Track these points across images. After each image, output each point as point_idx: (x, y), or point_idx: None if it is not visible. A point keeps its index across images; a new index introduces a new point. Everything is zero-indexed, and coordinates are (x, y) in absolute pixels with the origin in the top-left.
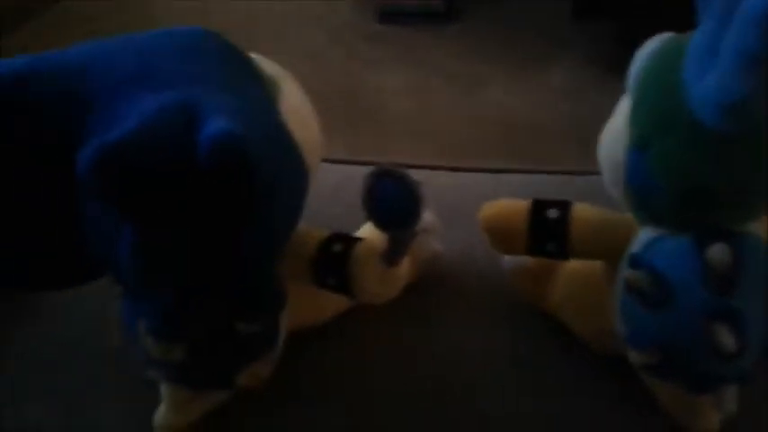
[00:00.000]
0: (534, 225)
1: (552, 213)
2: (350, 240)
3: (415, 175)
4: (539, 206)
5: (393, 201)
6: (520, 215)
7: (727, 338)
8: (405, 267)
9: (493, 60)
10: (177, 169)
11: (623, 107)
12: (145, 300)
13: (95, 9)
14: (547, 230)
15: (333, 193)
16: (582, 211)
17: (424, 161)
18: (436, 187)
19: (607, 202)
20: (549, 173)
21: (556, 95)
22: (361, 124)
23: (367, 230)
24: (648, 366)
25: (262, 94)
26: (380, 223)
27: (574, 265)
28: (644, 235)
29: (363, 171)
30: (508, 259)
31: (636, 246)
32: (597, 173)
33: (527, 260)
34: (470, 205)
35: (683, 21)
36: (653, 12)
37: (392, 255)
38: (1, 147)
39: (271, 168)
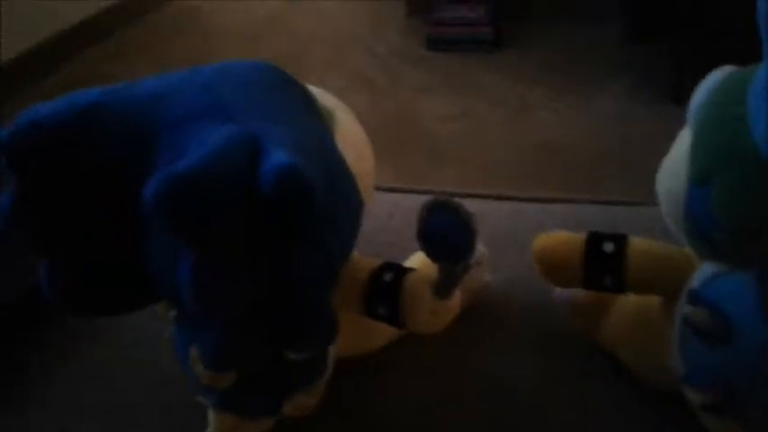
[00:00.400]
0: (590, 258)
1: (608, 247)
2: (402, 270)
3: (463, 203)
4: (594, 239)
5: (447, 234)
6: (575, 248)
7: None
8: (456, 299)
9: (542, 86)
10: (239, 200)
11: (683, 139)
12: (198, 327)
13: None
14: (603, 264)
15: (383, 220)
16: (638, 244)
17: (473, 188)
18: (484, 216)
19: (658, 234)
20: (596, 203)
21: (605, 122)
22: (408, 150)
23: (418, 259)
24: (707, 406)
25: (319, 125)
26: (434, 256)
27: (629, 298)
28: (704, 270)
29: (413, 199)
30: (560, 291)
31: (695, 281)
32: (645, 203)
33: (580, 292)
34: (519, 235)
35: (735, 47)
36: (704, 38)
37: (444, 287)
38: (70, 176)
39: (328, 200)
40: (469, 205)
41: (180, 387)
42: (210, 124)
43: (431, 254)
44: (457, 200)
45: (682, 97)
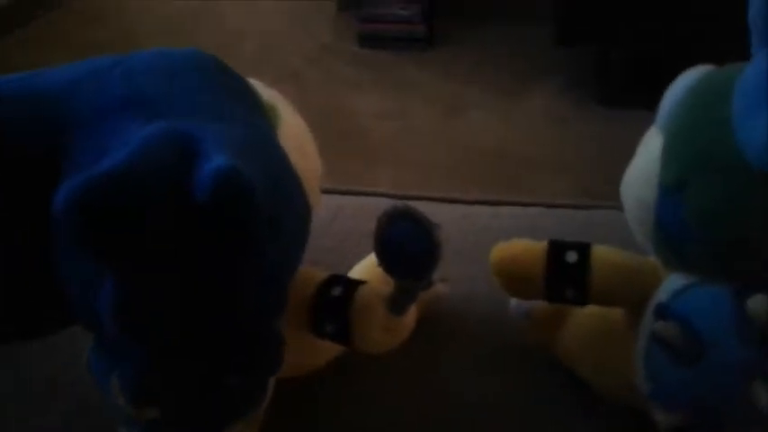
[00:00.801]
0: (552, 269)
1: (571, 257)
2: (351, 284)
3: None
4: (556, 248)
5: (409, 247)
6: (536, 258)
7: (766, 398)
8: (411, 314)
9: (475, 85)
10: (167, 209)
11: (651, 144)
12: (120, 355)
13: (75, 21)
14: (566, 275)
15: (324, 224)
16: (602, 254)
17: (410, 189)
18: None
19: (610, 238)
20: (546, 206)
21: (538, 121)
22: (341, 149)
23: (365, 269)
24: (675, 427)
25: (258, 121)
26: (394, 271)
27: (590, 310)
28: (672, 282)
29: (355, 201)
30: (517, 302)
31: (663, 294)
32: (593, 206)
33: (538, 304)
34: (469, 241)
35: (661, 50)
36: (634, 38)
37: (400, 302)
38: None
39: (271, 204)
40: (438, 210)
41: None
42: (133, 120)
43: (389, 269)
44: (418, 208)
45: (608, 99)
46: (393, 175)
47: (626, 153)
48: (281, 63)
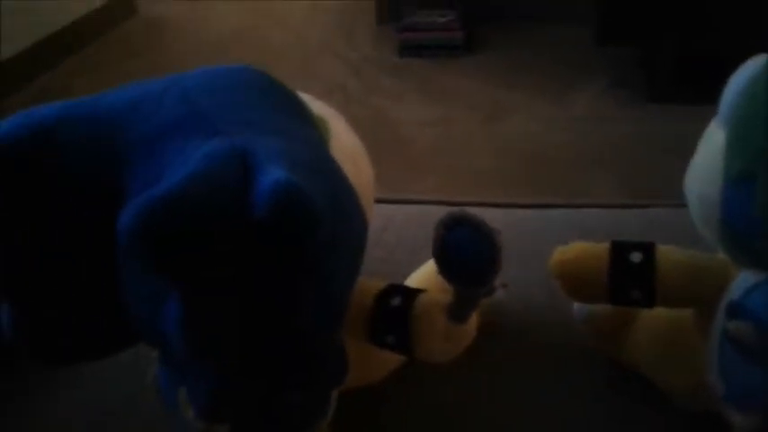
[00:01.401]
0: (616, 271)
1: (635, 257)
2: (410, 293)
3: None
4: (619, 249)
5: (470, 254)
6: (599, 260)
7: None
8: (472, 322)
9: (516, 89)
10: (230, 226)
11: (713, 139)
12: (188, 371)
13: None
14: (631, 276)
15: (375, 234)
16: (668, 253)
17: (455, 195)
18: None
19: (668, 237)
20: (598, 206)
21: (581, 122)
22: (386, 158)
23: (421, 277)
24: (752, 430)
25: (313, 135)
26: (455, 279)
27: (657, 312)
28: (744, 279)
29: (406, 210)
30: (579, 306)
31: (735, 292)
32: (647, 205)
33: (601, 307)
34: (522, 245)
35: (705, 48)
36: (675, 38)
37: (461, 310)
38: (32, 204)
39: (332, 220)
40: (488, 214)
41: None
42: (193, 138)
43: (451, 276)
44: (477, 214)
45: (656, 96)
46: (438, 182)
47: (674, 150)
48: (325, 76)
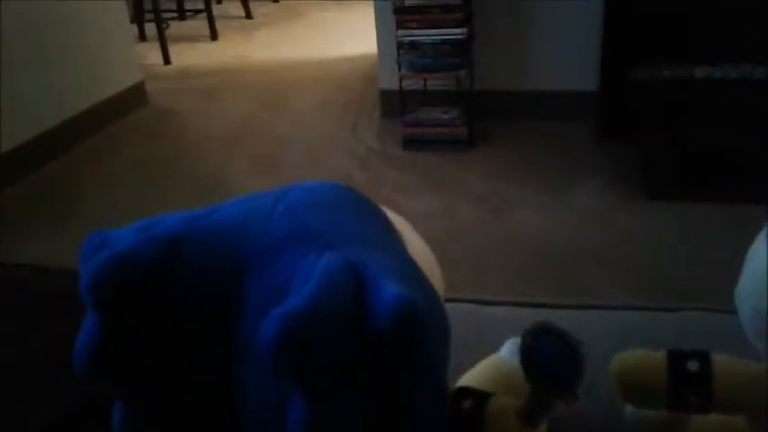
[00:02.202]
0: (675, 379)
1: (693, 365)
2: (480, 396)
3: (461, 308)
4: (677, 357)
5: (557, 363)
6: (658, 367)
7: None
8: (543, 426)
9: (519, 184)
10: (351, 336)
11: (762, 252)
12: None
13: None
14: (689, 384)
15: None
16: (723, 362)
17: (462, 289)
18: (519, 324)
19: (699, 341)
20: (628, 308)
21: (585, 217)
22: None
23: (477, 374)
24: None
25: (401, 246)
26: (543, 385)
27: (710, 417)
28: None
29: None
30: (631, 409)
31: None
32: (679, 309)
33: (653, 411)
34: None
35: (701, 147)
36: (673, 137)
37: (536, 414)
38: (155, 314)
39: (437, 326)
40: (496, 312)
41: None
42: (306, 253)
43: (538, 382)
44: (559, 325)
45: (655, 194)
46: (448, 276)
47: (679, 248)
48: (331, 167)
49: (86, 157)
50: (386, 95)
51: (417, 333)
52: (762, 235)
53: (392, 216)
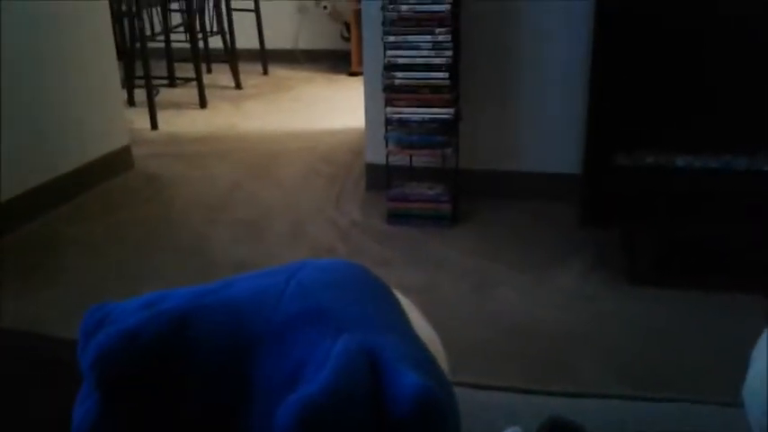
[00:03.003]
0: None
1: None
2: None
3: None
4: None
5: None
6: None
7: None
8: None
9: (502, 262)
10: (368, 420)
11: None
12: None
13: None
14: None
15: None
16: None
17: (460, 373)
18: (517, 414)
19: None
20: (586, 396)
21: (568, 299)
22: None
23: None
24: None
25: (413, 332)
26: None
27: None
28: None
29: None
30: None
31: None
32: (639, 398)
33: None
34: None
35: (683, 234)
36: (656, 223)
37: None
38: (161, 390)
39: (454, 414)
40: (489, 398)
41: None
42: (319, 333)
43: None
44: (577, 422)
45: (637, 279)
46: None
47: (661, 336)
48: (314, 239)
49: (68, 219)
50: (372, 169)
51: (437, 423)
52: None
53: (399, 297)
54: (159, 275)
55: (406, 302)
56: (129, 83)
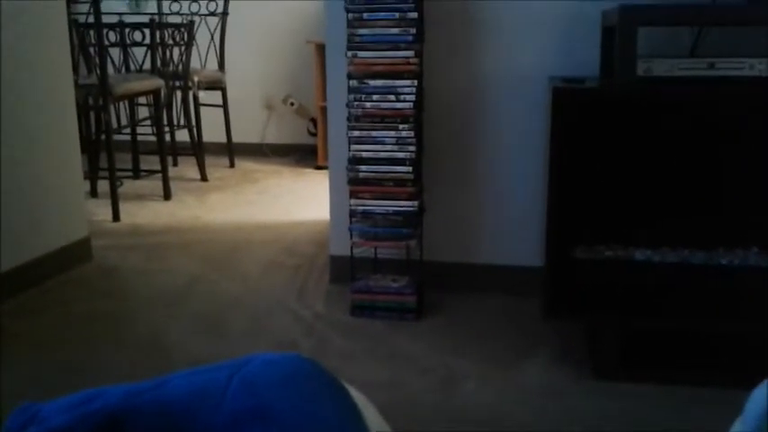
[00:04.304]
0: None
1: None
2: None
3: None
4: None
5: None
6: None
7: None
8: None
9: (467, 356)
10: None
11: None
12: None
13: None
14: None
15: None
16: None
17: None
18: None
19: None
20: None
21: (534, 394)
22: None
23: None
24: None
25: (366, 431)
26: None
27: None
28: None
29: None
30: None
31: None
32: None
33: None
34: None
35: (647, 327)
36: (618, 319)
37: None
38: None
39: None
40: None
41: None
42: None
43: None
44: None
45: (601, 372)
46: None
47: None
48: (276, 333)
49: (19, 312)
50: (336, 261)
51: None
52: (739, 422)
53: (355, 394)
54: (109, 374)
55: (362, 400)
56: (92, 174)
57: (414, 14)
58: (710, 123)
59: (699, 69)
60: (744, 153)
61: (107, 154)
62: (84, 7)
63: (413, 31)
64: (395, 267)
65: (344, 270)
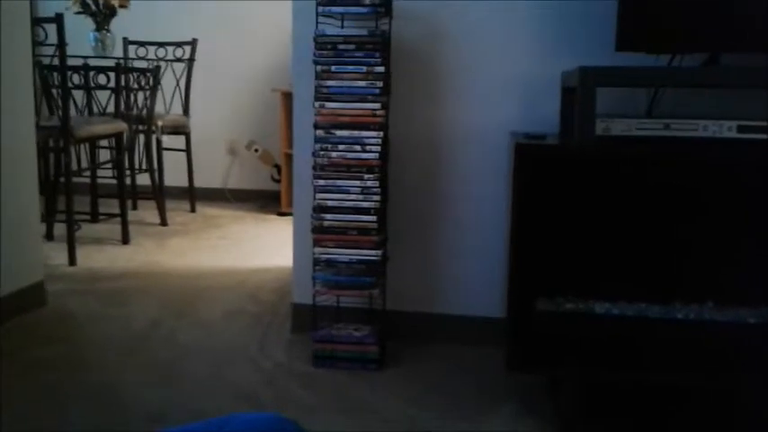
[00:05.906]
0: None
1: None
2: None
3: None
4: None
5: None
6: None
7: None
8: None
9: (430, 408)
10: None
11: None
12: None
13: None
14: None
15: None
16: None
17: None
18: None
19: None
20: None
21: None
22: None
23: None
24: None
25: None
26: None
27: None
28: None
29: None
30: None
31: None
32: None
33: None
34: None
35: (611, 380)
36: (584, 364)
37: None
38: None
39: None
40: None
41: None
42: None
43: None
44: None
45: (564, 427)
46: None
47: None
48: (235, 384)
49: None
50: (298, 309)
51: None
52: None
53: None
54: (61, 426)
55: None
56: (49, 217)
57: (381, 68)
58: (666, 182)
59: (655, 129)
60: (699, 210)
61: (66, 196)
62: (50, 50)
63: (379, 84)
64: (358, 316)
65: (307, 318)
